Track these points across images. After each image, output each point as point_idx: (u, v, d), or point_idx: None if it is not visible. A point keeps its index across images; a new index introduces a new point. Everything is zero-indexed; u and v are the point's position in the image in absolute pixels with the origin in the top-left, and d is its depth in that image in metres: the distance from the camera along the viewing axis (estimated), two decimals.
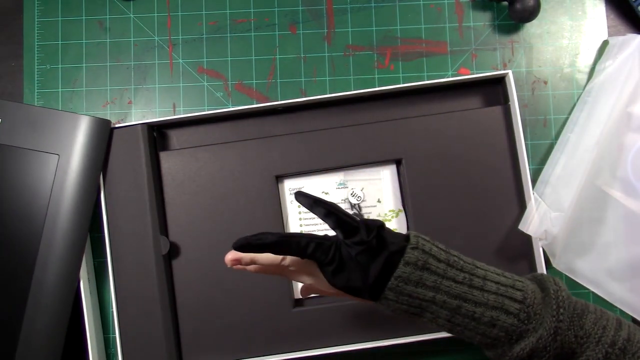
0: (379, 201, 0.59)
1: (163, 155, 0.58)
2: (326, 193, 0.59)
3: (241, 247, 0.42)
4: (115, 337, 0.57)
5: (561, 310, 0.41)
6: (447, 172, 0.57)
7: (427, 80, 0.61)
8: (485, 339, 0.42)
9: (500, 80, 0.59)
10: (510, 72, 0.57)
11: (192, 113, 0.59)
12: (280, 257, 0.45)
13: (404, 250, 0.42)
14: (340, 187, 0.59)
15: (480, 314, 0.41)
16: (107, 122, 0.56)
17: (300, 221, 0.59)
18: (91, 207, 0.55)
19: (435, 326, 0.43)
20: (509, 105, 0.58)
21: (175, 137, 0.60)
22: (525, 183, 0.57)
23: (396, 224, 0.59)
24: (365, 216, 0.59)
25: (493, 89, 0.60)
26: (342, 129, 0.58)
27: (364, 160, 0.58)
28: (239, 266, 0.45)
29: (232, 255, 0.45)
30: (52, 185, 0.55)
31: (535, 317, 0.41)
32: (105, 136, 0.56)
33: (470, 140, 0.58)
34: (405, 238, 0.43)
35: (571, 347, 0.41)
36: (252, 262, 0.45)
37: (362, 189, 0.59)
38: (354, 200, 0.58)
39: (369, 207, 0.59)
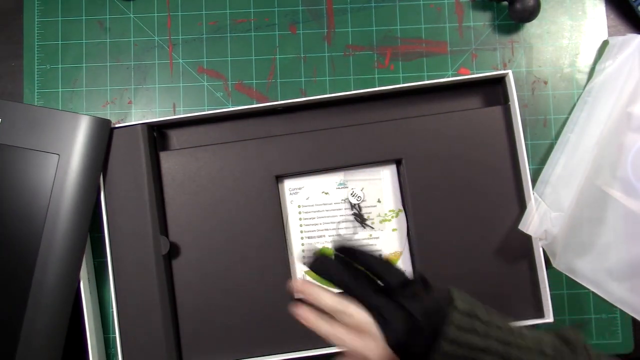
0: (379, 201, 0.59)
1: (163, 155, 0.58)
2: (326, 193, 0.59)
3: (341, 248, 0.44)
4: (115, 337, 0.57)
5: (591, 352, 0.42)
6: (447, 172, 0.57)
7: (427, 80, 0.61)
8: None
9: (500, 80, 0.59)
10: (510, 72, 0.57)
11: (192, 113, 0.59)
12: (343, 308, 0.43)
13: (451, 302, 0.41)
14: (340, 187, 0.59)
15: (527, 357, 0.41)
16: (107, 122, 0.56)
17: (300, 221, 0.59)
18: (91, 207, 0.55)
19: None
20: (509, 105, 0.58)
21: (175, 137, 0.60)
22: (525, 183, 0.57)
23: (396, 224, 0.59)
24: (365, 216, 0.59)
25: (493, 89, 0.60)
26: (342, 129, 0.58)
27: (364, 160, 0.58)
28: (300, 295, 0.46)
29: (300, 284, 0.46)
30: (53, 185, 0.54)
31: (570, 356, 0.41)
32: (105, 136, 0.56)
33: (470, 140, 0.58)
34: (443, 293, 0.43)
35: None
36: (316, 300, 0.45)
37: (362, 189, 0.59)
38: (354, 200, 0.58)
39: (369, 207, 0.59)
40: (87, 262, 0.57)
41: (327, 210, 0.59)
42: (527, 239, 0.57)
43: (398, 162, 0.59)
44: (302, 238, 0.59)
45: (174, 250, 0.57)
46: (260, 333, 0.57)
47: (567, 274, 0.59)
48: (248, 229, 0.57)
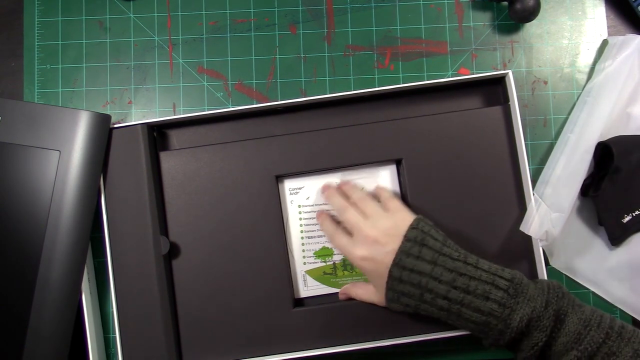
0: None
1: (163, 155, 0.58)
2: None
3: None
4: (115, 337, 0.57)
5: (550, 291, 0.46)
6: (447, 172, 0.57)
7: (427, 80, 0.61)
8: (481, 317, 0.46)
9: (500, 80, 0.59)
10: (510, 72, 0.57)
11: (192, 113, 0.59)
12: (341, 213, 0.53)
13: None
14: None
15: (474, 287, 0.46)
16: (107, 117, 0.56)
17: (300, 221, 0.59)
18: (94, 202, 0.55)
19: (435, 311, 0.48)
20: (509, 105, 0.58)
21: (175, 137, 0.60)
22: (525, 183, 0.57)
23: None
24: None
25: (493, 89, 0.60)
26: (342, 129, 0.58)
27: (364, 160, 0.58)
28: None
29: (325, 188, 0.57)
30: (54, 181, 0.55)
31: (523, 294, 0.46)
32: (105, 131, 0.56)
33: (470, 141, 0.58)
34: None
35: (577, 329, 0.45)
36: (327, 199, 0.56)
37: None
38: None
39: None
40: (87, 262, 0.57)
41: (327, 210, 0.59)
42: (527, 239, 0.57)
43: (398, 162, 0.59)
44: (302, 238, 0.59)
45: (174, 250, 0.57)
46: (260, 333, 0.56)
47: (565, 273, 0.59)
48: (248, 229, 0.57)
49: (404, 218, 0.51)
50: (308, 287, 0.59)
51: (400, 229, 0.49)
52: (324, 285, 0.59)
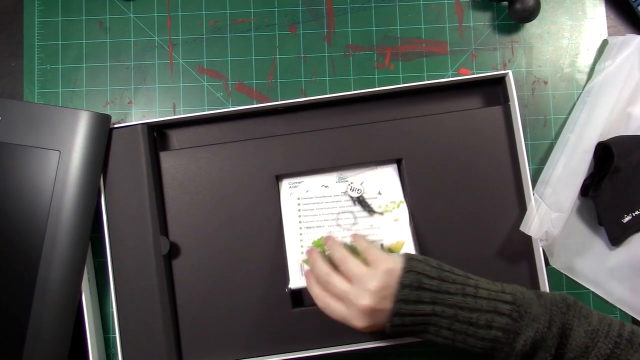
0: (379, 193, 0.58)
1: (163, 155, 0.58)
2: (325, 186, 0.59)
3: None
4: (115, 337, 0.57)
5: (554, 307, 0.45)
6: (447, 171, 0.57)
7: (427, 80, 0.61)
8: (486, 343, 0.45)
9: (500, 80, 0.59)
10: (510, 72, 0.57)
11: (192, 113, 0.59)
12: (328, 278, 0.50)
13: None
14: (340, 181, 0.59)
15: (477, 318, 0.45)
16: (107, 117, 0.56)
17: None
18: (94, 202, 0.55)
19: (441, 340, 0.47)
20: (509, 105, 0.58)
21: (176, 137, 0.60)
22: (525, 183, 0.57)
23: (398, 215, 0.58)
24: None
25: (493, 89, 0.60)
26: (342, 129, 0.58)
27: (365, 160, 0.58)
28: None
29: (308, 251, 0.54)
30: (54, 181, 0.55)
31: (527, 315, 0.45)
32: (105, 131, 0.56)
33: (471, 141, 0.58)
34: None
35: (584, 342, 0.44)
36: (312, 265, 0.52)
37: (362, 182, 0.58)
38: (354, 194, 0.58)
39: (369, 198, 0.58)
40: (87, 262, 0.57)
41: (326, 202, 0.58)
42: (527, 239, 0.57)
43: (398, 162, 0.59)
44: (300, 229, 0.58)
45: (174, 250, 0.57)
46: (260, 333, 0.56)
47: (565, 273, 0.59)
48: (248, 229, 0.57)
49: (390, 270, 0.47)
50: (304, 276, 0.56)
51: (390, 286, 0.47)
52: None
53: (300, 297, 0.59)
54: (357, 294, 0.47)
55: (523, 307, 0.45)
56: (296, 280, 0.57)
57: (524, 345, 0.44)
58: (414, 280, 0.46)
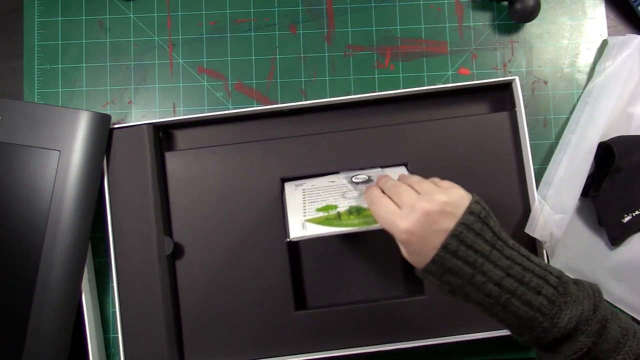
0: None
1: (168, 156, 0.58)
2: (332, 181, 0.57)
3: None
4: (115, 337, 0.57)
5: (596, 294, 0.43)
6: (452, 176, 0.57)
7: (427, 80, 0.61)
8: (527, 312, 0.42)
9: (506, 86, 0.59)
10: (516, 78, 0.57)
11: (197, 114, 0.59)
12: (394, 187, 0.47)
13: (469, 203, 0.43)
14: (346, 179, 0.58)
15: (529, 279, 0.42)
16: (107, 117, 0.56)
17: (304, 199, 0.57)
18: (94, 202, 0.55)
19: (481, 297, 0.43)
20: (515, 111, 0.58)
21: (181, 137, 0.60)
22: (530, 189, 0.57)
23: None
24: None
25: (499, 94, 0.60)
26: (348, 132, 0.58)
27: (370, 164, 0.57)
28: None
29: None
30: (54, 181, 0.54)
31: (569, 294, 0.42)
32: (105, 131, 0.56)
33: (477, 146, 0.58)
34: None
35: (617, 337, 0.42)
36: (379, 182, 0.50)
37: (369, 177, 0.58)
38: (359, 180, 0.55)
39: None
40: (87, 262, 0.57)
41: (332, 188, 0.55)
42: (531, 241, 0.57)
43: (404, 166, 0.58)
44: (304, 203, 0.54)
45: (177, 251, 0.57)
46: (263, 335, 0.56)
47: (567, 273, 0.59)
48: (253, 231, 0.57)
49: (461, 195, 0.44)
50: (307, 230, 0.52)
51: (456, 207, 0.43)
52: (325, 227, 0.52)
53: (304, 299, 0.59)
54: (420, 198, 0.44)
55: (568, 285, 0.43)
56: (297, 231, 0.51)
57: (568, 322, 0.41)
58: (482, 212, 0.43)
